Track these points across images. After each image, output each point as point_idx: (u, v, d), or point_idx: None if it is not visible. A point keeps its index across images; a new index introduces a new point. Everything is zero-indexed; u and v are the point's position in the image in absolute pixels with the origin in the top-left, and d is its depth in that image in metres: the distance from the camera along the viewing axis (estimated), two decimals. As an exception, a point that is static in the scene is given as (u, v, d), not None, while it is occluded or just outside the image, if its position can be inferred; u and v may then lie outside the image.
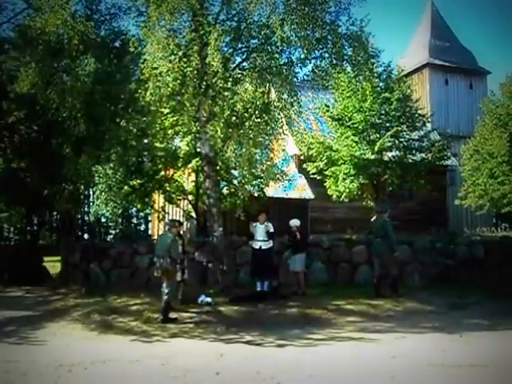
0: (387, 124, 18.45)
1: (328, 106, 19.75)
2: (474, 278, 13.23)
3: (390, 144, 18.41)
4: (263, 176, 14.66)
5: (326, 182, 19.04)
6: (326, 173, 18.82)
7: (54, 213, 23.08)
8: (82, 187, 17.99)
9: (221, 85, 11.13)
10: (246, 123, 11.54)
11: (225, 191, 15.56)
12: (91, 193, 22.86)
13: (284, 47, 11.34)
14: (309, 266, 13.17)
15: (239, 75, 11.67)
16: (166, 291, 10.19)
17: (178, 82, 11.21)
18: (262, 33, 11.30)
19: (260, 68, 11.35)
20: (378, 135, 18.22)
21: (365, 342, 8.65)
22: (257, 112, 11.60)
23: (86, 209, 30.30)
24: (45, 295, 13.29)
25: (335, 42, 11.25)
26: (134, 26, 12.65)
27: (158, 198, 18.07)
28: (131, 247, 14.27)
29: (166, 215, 17.90)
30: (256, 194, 15.66)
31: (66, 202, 16.24)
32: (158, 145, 15.33)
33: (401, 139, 18.89)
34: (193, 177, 16.55)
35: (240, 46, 11.95)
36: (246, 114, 11.63)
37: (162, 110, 13.92)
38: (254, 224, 12.06)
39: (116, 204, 15.11)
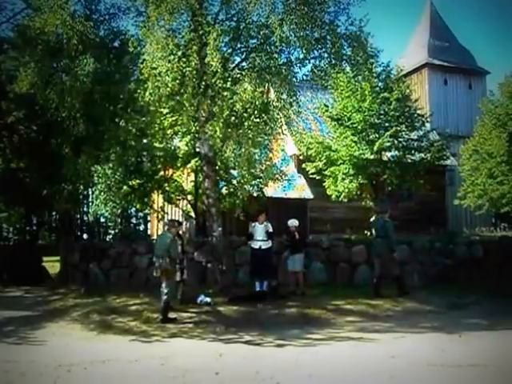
0: (386, 124, 18.46)
1: (327, 106, 19.75)
2: (473, 277, 13.25)
3: (389, 144, 18.43)
4: (262, 176, 14.67)
5: (325, 181, 19.05)
6: (325, 173, 18.83)
7: (54, 213, 23.12)
8: (82, 187, 17.98)
9: (220, 85, 11.14)
10: (245, 123, 11.54)
11: (224, 191, 15.57)
12: (90, 193, 22.87)
13: (283, 47, 11.34)
14: (308, 266, 13.19)
15: (238, 75, 11.67)
16: (166, 291, 10.19)
17: (177, 81, 11.21)
18: (261, 33, 11.30)
19: (259, 68, 11.35)
20: (377, 135, 18.23)
21: (364, 341, 8.66)
22: (256, 112, 11.60)
23: (85, 209, 30.31)
24: (44, 295, 13.28)
25: (334, 42, 11.26)
26: (133, 25, 12.68)
27: (157, 198, 18.07)
28: (130, 247, 14.27)
29: (165, 215, 17.90)
30: (255, 194, 15.66)
31: (66, 201, 16.23)
32: (157, 145, 15.33)
33: (400, 139, 18.90)
34: (192, 177, 16.55)
35: (239, 45, 11.95)
36: (245, 114, 11.62)
37: (161, 109, 13.93)
38: (253, 224, 12.06)
39: (115, 204, 15.11)
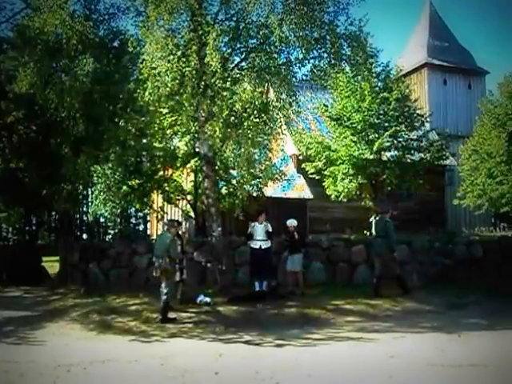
0: (386, 124, 18.45)
1: (327, 106, 19.74)
2: (472, 277, 13.25)
3: (388, 144, 18.42)
4: (262, 176, 14.67)
5: (324, 181, 19.05)
6: (325, 173, 18.82)
7: (53, 213, 23.11)
8: (81, 187, 17.98)
9: (219, 85, 11.13)
10: (245, 123, 11.53)
11: (223, 191, 15.56)
12: (90, 193, 22.88)
13: (282, 47, 11.34)
14: (308, 266, 13.20)
15: (238, 75, 11.67)
16: (165, 291, 10.19)
17: (177, 81, 11.21)
18: (261, 33, 11.30)
19: (259, 68, 11.36)
20: (376, 135, 18.22)
21: (363, 341, 8.67)
22: (255, 112, 11.59)
23: (84, 209, 30.32)
24: (43, 295, 13.27)
25: (334, 42, 11.26)
26: (132, 25, 12.71)
27: (157, 198, 18.06)
28: (130, 247, 14.26)
29: (165, 215, 17.88)
30: (255, 194, 15.66)
31: (65, 201, 16.22)
32: (156, 145, 15.32)
33: (399, 139, 18.89)
34: (191, 177, 16.54)
35: (239, 45, 11.96)
36: (244, 114, 11.62)
37: (161, 109, 13.92)
38: (253, 224, 12.06)
39: (115, 204, 15.10)
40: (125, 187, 15.23)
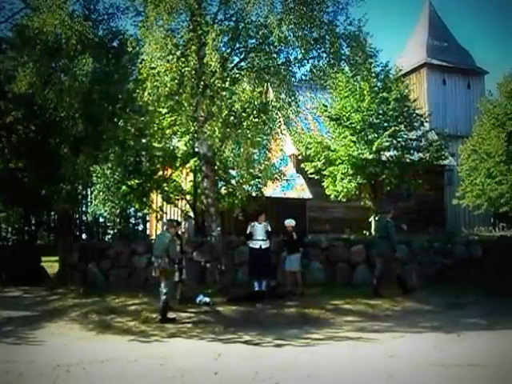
0: (385, 124, 18.46)
1: (326, 106, 19.74)
2: (471, 277, 13.26)
3: (387, 144, 18.43)
4: (261, 176, 14.65)
5: (323, 181, 19.06)
6: (324, 172, 18.83)
7: (52, 213, 23.07)
8: (80, 187, 17.96)
9: (219, 85, 11.12)
10: (244, 123, 11.53)
11: (223, 191, 15.56)
12: (89, 193, 22.83)
13: (282, 47, 11.34)
14: (307, 266, 13.20)
15: (237, 75, 11.67)
16: (165, 291, 10.19)
17: (176, 81, 11.19)
18: (260, 33, 11.30)
19: (258, 68, 11.36)
20: (375, 135, 18.23)
21: (363, 341, 8.67)
22: (255, 112, 11.59)
23: (83, 209, 30.25)
24: (43, 295, 13.26)
25: (333, 42, 11.25)
26: (132, 25, 12.65)
27: (156, 198, 18.05)
28: (129, 247, 14.26)
29: (164, 215, 17.89)
30: (254, 194, 15.66)
31: (64, 201, 16.18)
32: (155, 145, 15.31)
33: (399, 139, 18.91)
34: (191, 177, 16.54)
35: (238, 45, 11.95)
36: (243, 114, 11.62)
37: (160, 109, 13.91)
38: (253, 224, 12.06)
39: (114, 204, 15.10)
40: (124, 187, 15.23)
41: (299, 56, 11.55)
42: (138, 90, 12.25)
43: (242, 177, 13.96)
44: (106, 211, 15.43)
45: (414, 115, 19.42)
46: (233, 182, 15.30)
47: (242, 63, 12.03)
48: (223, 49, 11.67)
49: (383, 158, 18.68)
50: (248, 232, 12.07)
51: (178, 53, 11.19)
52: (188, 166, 15.67)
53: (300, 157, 20.60)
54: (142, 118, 14.37)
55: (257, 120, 11.61)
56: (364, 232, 18.12)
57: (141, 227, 34.96)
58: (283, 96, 11.57)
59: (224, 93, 11.32)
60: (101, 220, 30.92)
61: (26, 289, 14.15)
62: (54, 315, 10.96)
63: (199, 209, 15.78)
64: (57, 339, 9.15)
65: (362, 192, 19.16)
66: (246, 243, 12.30)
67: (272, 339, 8.82)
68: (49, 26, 13.24)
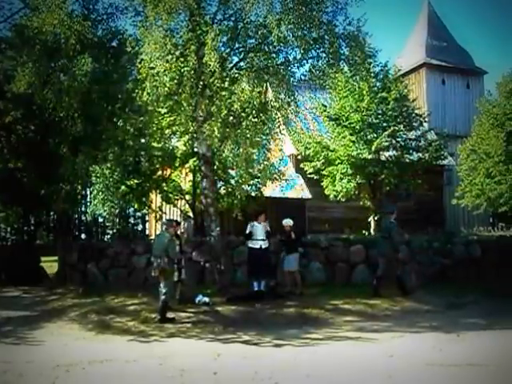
0: (384, 124, 18.47)
1: (325, 106, 19.75)
2: (470, 277, 13.28)
3: (387, 144, 18.44)
4: (260, 176, 14.65)
5: (323, 181, 19.05)
6: (324, 172, 18.84)
7: (51, 213, 23.02)
8: (79, 187, 17.90)
9: (218, 84, 11.12)
10: (244, 123, 11.52)
11: (222, 191, 15.56)
12: (88, 193, 22.79)
13: (281, 47, 11.33)
14: (306, 266, 13.21)
15: (236, 75, 11.66)
16: (164, 291, 10.19)
17: (175, 81, 11.19)
18: (259, 33, 11.29)
19: (257, 68, 11.35)
20: (375, 135, 18.23)
21: (362, 341, 8.67)
22: (254, 112, 11.58)
23: (83, 209, 30.26)
24: (42, 295, 13.26)
25: (332, 42, 11.25)
26: (131, 25, 12.61)
27: (156, 198, 18.05)
28: (128, 247, 14.26)
29: (164, 215, 17.88)
30: (253, 194, 15.65)
31: (63, 201, 16.17)
32: (155, 144, 15.31)
33: (398, 139, 18.92)
34: (190, 177, 16.53)
35: (237, 45, 11.94)
36: (243, 114, 11.61)
37: (159, 109, 13.89)
38: (253, 223, 12.06)
39: (113, 204, 15.09)
40: (123, 187, 15.22)
41: (298, 56, 11.56)
42: (137, 90, 12.24)
43: (242, 177, 13.95)
44: (105, 211, 15.42)
45: (413, 115, 19.42)
46: (232, 181, 15.30)
47: (241, 63, 12.02)
48: (222, 49, 11.66)
49: (382, 158, 18.69)
50: (248, 232, 12.07)
51: (177, 53, 11.17)
52: (187, 165, 15.67)
53: (299, 157, 20.59)
54: (141, 118, 14.35)
55: (256, 120, 11.60)
56: (363, 232, 18.13)
57: (140, 227, 35.01)
58: (282, 96, 11.56)
59: (223, 93, 11.31)
60: (100, 220, 30.98)
61: (26, 289, 14.14)
62: (53, 315, 10.95)
63: (198, 209, 15.78)
64: (56, 339, 9.15)
65: (361, 192, 19.17)
66: (246, 243, 12.30)
67: (271, 339, 8.82)
68: (48, 25, 13.22)
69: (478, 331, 9.24)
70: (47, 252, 18.33)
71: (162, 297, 10.16)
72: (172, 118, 14.45)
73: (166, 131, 15.23)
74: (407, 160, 19.06)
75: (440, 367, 6.86)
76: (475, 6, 71.68)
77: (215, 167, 13.88)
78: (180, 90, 11.50)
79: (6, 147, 16.20)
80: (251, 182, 15.10)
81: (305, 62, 11.71)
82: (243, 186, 14.56)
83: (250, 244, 12.02)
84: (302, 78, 12.45)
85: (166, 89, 11.31)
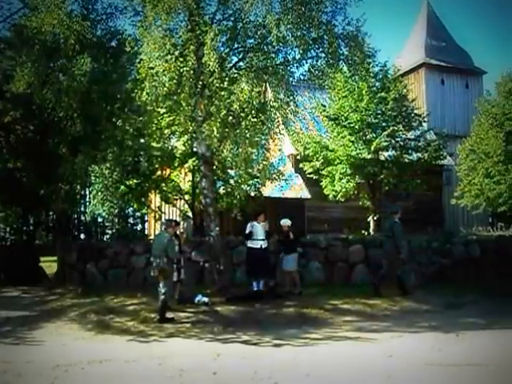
0: (383, 124, 18.47)
1: (324, 106, 19.76)
2: (470, 277, 13.29)
3: (386, 144, 18.44)
4: (260, 176, 14.63)
5: (322, 181, 19.05)
6: (323, 172, 18.84)
7: (51, 213, 22.97)
8: (79, 187, 17.91)
9: (217, 84, 11.12)
10: (243, 123, 11.53)
11: (221, 191, 15.55)
12: (87, 193, 22.78)
13: (280, 47, 11.34)
14: (306, 266, 13.21)
15: (235, 75, 11.66)
16: (163, 291, 10.18)
17: (175, 81, 11.19)
18: (259, 32, 11.29)
19: (256, 68, 11.35)
20: (374, 135, 18.25)
21: (361, 341, 8.68)
22: (253, 112, 11.58)
23: (82, 209, 30.19)
24: (41, 295, 13.25)
25: (331, 42, 11.25)
26: (130, 25, 12.63)
27: (155, 198, 18.04)
28: (128, 247, 14.26)
29: (163, 215, 17.87)
30: (252, 194, 15.65)
31: (63, 201, 16.16)
32: (154, 144, 15.30)
33: (397, 139, 18.92)
34: (189, 176, 16.53)
35: (236, 45, 11.94)
36: (242, 114, 11.62)
37: (159, 109, 13.89)
38: (253, 223, 12.06)
39: (112, 204, 15.08)
40: (122, 187, 15.21)
41: (297, 56, 11.57)
42: (136, 90, 12.25)
43: (241, 177, 13.95)
44: (104, 211, 15.42)
45: (413, 115, 19.42)
46: (231, 181, 15.29)
47: (241, 63, 12.03)
48: (221, 49, 11.66)
49: (381, 158, 18.69)
50: (248, 231, 12.05)
51: (177, 53, 11.17)
52: (186, 165, 15.67)
53: (298, 157, 20.59)
54: (141, 118, 14.34)
55: (255, 120, 11.60)
56: (362, 232, 18.13)
57: (139, 227, 34.93)
58: (281, 96, 11.57)
59: (222, 93, 11.31)
60: (99, 220, 30.91)
61: (25, 289, 14.14)
62: (52, 315, 10.95)
63: (198, 209, 15.78)
64: (55, 339, 9.15)
65: (360, 192, 19.18)
66: (245, 243, 12.30)
67: (271, 339, 8.82)
68: (47, 25, 13.20)
69: (477, 331, 9.25)
70: (46, 252, 18.32)
71: (162, 297, 10.16)
72: (171, 118, 14.47)
73: (166, 131, 15.23)
74: (406, 160, 19.06)
75: (439, 367, 6.87)
76: (474, 6, 71.76)
77: (214, 167, 13.87)
78: (179, 90, 11.51)
79: (5, 147, 16.19)
80: (250, 182, 15.10)
81: (304, 61, 11.73)
82: (242, 186, 14.56)
83: (250, 244, 12.01)
84: (301, 77, 12.47)
85: (166, 89, 11.32)
